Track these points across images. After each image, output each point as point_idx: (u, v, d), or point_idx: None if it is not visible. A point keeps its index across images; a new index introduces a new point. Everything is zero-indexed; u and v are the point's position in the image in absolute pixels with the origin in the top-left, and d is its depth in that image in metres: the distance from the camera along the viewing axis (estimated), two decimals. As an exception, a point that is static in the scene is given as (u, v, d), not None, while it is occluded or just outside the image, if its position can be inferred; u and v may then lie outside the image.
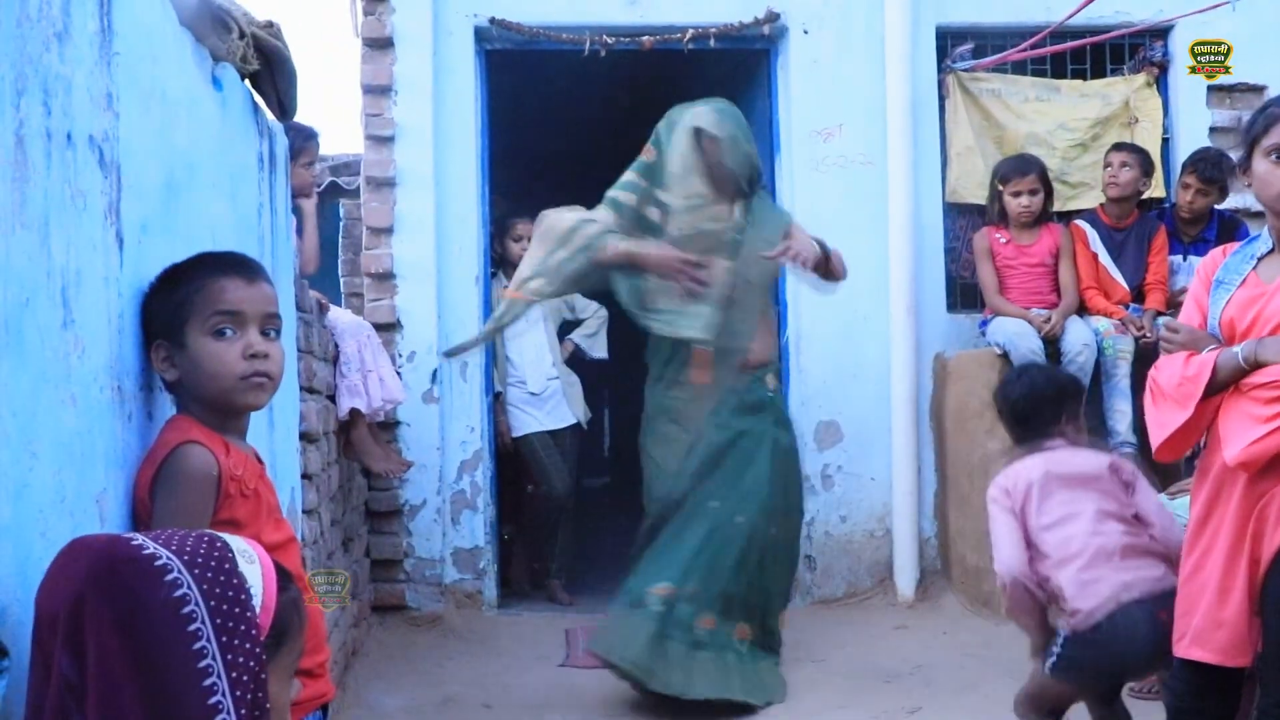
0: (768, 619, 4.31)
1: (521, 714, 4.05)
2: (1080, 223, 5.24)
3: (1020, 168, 5.14)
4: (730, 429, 4.29)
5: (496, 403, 5.58)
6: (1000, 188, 5.15)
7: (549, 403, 5.65)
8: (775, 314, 4.92)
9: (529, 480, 5.70)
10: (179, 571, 1.27)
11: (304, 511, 3.42)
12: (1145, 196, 5.38)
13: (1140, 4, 5.51)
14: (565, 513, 5.71)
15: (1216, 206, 5.17)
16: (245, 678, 1.29)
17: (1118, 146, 5.23)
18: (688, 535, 4.17)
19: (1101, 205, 5.29)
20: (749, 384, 4.37)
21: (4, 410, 1.32)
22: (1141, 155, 5.18)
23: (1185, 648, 2.66)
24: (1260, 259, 2.66)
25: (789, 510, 4.40)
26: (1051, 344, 4.94)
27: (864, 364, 5.48)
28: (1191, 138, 5.47)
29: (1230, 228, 5.09)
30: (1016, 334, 4.92)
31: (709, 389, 4.32)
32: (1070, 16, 5.12)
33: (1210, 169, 4.97)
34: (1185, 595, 2.70)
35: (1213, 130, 5.54)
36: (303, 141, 4.39)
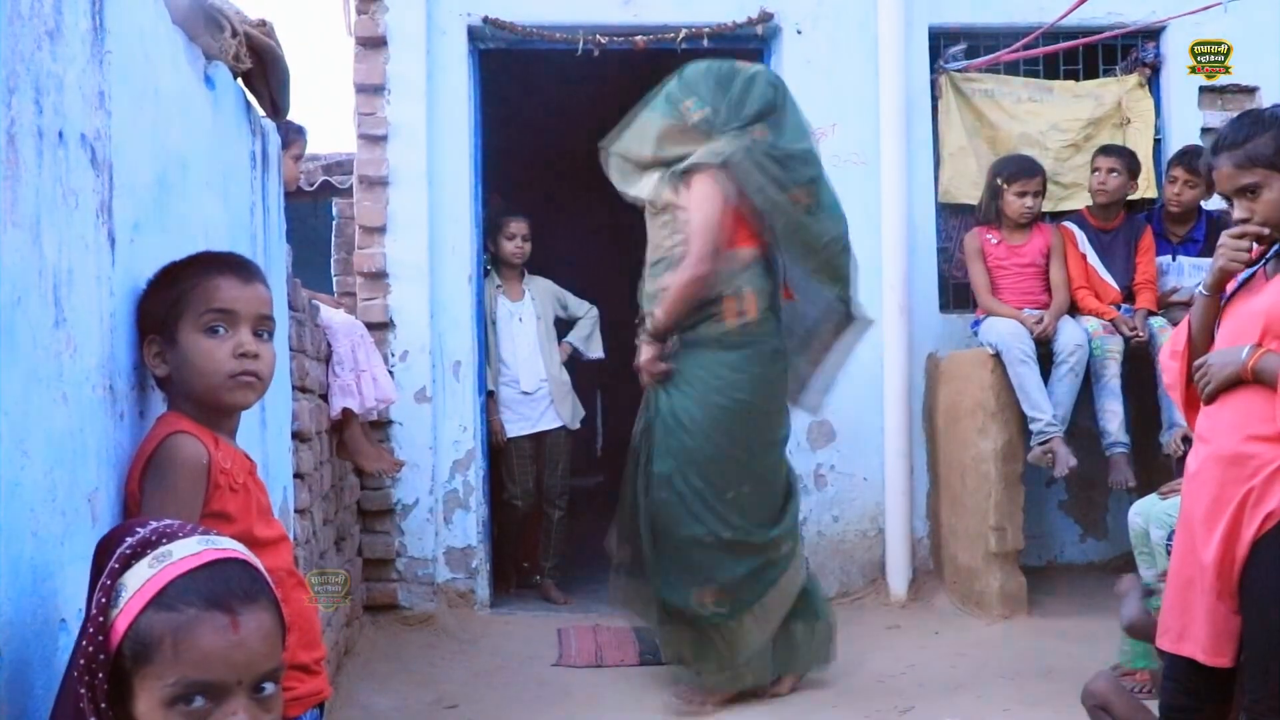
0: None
1: (514, 714, 4.05)
2: (1069, 224, 5.25)
3: (1027, 168, 5.13)
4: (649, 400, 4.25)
5: (490, 401, 5.59)
6: (1004, 186, 5.12)
7: (540, 404, 5.66)
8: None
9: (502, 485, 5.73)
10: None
11: (296, 511, 3.41)
12: (1136, 197, 5.39)
13: (1133, 5, 5.53)
14: (548, 517, 5.74)
15: (1205, 206, 5.19)
16: None
17: (1104, 151, 5.22)
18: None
19: (1088, 207, 5.29)
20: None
21: (-4, 409, 1.31)
22: (1128, 159, 5.18)
23: (1172, 642, 2.67)
24: (1268, 260, 2.67)
25: (652, 478, 4.15)
26: (1044, 344, 4.94)
27: (856, 364, 5.43)
28: (1183, 139, 5.47)
29: (1218, 228, 5.09)
30: (1009, 334, 4.92)
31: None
32: (1063, 17, 5.13)
33: (1197, 161, 4.98)
34: (1172, 591, 2.72)
35: (1204, 131, 5.55)
36: (293, 135, 4.39)
